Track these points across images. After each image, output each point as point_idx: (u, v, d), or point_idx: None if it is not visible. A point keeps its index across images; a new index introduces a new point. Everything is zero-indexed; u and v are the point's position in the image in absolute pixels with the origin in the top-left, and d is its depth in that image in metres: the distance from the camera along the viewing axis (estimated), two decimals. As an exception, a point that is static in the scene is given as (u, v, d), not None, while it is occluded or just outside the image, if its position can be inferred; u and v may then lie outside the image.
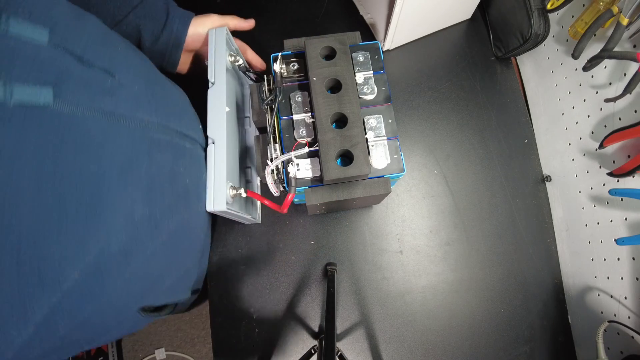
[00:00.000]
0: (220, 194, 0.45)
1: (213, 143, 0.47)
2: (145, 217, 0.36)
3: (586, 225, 0.57)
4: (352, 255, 0.61)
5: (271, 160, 0.46)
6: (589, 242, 0.57)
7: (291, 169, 0.44)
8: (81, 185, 0.28)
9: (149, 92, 0.40)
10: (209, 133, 0.47)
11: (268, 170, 0.45)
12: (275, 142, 0.48)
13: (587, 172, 0.57)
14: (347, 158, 0.46)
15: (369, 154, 0.46)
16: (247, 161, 0.59)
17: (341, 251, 0.61)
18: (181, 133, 0.44)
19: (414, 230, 0.62)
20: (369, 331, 0.58)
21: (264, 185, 0.61)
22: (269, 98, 0.48)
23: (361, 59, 0.50)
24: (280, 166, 0.47)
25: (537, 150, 0.68)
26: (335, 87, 0.48)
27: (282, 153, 0.47)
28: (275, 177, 0.47)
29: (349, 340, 0.58)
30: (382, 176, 0.47)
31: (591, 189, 0.56)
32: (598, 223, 0.55)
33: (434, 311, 0.60)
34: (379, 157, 0.47)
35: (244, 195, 0.48)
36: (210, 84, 0.49)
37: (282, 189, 0.47)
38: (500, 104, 0.69)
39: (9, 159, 0.24)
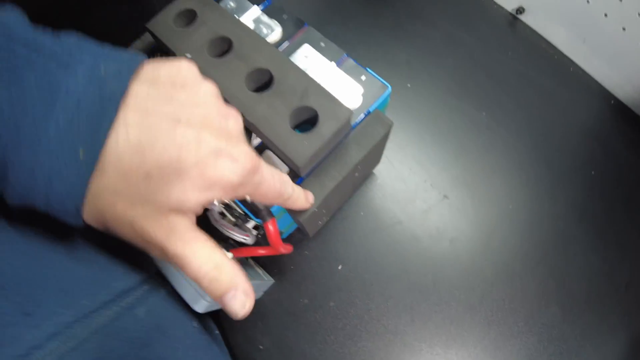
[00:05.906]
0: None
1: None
2: None
3: (606, 15, 0.44)
4: (394, 243, 0.43)
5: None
6: (624, 29, 0.43)
7: (246, 190, 0.26)
8: None
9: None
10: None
11: (215, 215, 0.27)
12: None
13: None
14: (306, 122, 0.29)
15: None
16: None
17: (379, 252, 0.43)
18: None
19: (433, 159, 0.46)
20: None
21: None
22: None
23: (232, 4, 0.34)
24: (227, 201, 0.29)
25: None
26: (224, 50, 0.31)
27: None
28: (233, 219, 0.28)
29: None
30: (368, 111, 0.30)
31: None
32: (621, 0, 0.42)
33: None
34: (346, 90, 0.30)
35: (229, 256, 0.29)
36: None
37: (254, 229, 0.29)
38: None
39: None
